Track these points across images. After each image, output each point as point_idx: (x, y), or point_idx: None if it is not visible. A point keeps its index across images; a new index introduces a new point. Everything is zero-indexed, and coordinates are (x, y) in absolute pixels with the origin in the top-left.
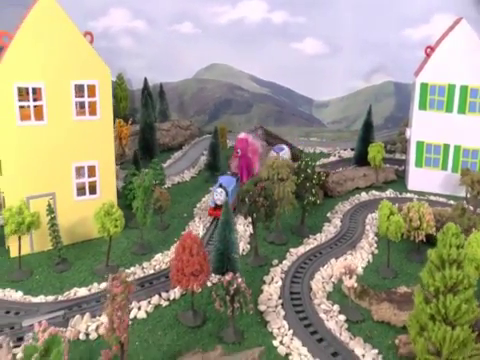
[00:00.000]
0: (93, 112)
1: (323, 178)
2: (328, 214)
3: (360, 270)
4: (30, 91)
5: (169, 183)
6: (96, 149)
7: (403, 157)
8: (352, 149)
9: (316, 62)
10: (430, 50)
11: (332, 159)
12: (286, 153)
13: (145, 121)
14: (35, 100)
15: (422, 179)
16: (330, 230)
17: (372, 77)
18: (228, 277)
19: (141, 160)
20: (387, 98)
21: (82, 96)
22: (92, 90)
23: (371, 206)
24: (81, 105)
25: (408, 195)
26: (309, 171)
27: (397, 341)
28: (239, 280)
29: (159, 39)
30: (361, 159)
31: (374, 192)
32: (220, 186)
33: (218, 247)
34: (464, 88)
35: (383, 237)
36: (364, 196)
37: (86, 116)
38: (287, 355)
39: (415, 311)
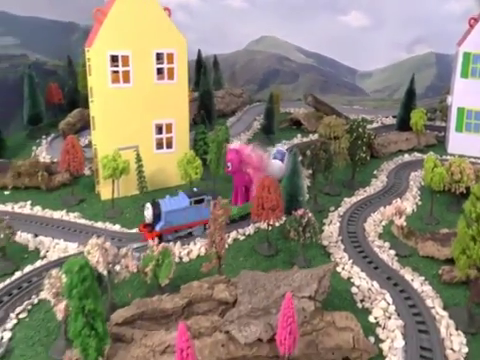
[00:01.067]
0: (171, 77)
1: (372, 138)
2: (375, 172)
3: (409, 211)
4: (120, 58)
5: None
6: (173, 109)
7: (443, 124)
8: (394, 116)
9: (360, 34)
10: (474, 21)
11: (375, 125)
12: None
13: (204, 89)
14: (123, 66)
15: (462, 143)
16: (377, 184)
17: (414, 48)
18: (300, 212)
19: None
20: (428, 68)
21: (162, 63)
22: (170, 58)
23: (414, 165)
24: (160, 71)
25: (448, 158)
26: (360, 130)
27: (441, 271)
28: (309, 214)
29: (211, 13)
30: (403, 124)
31: (416, 154)
32: (152, 202)
33: (287, 191)
34: None
35: (427, 187)
36: (407, 157)
37: (165, 80)
38: (349, 278)
39: (458, 235)
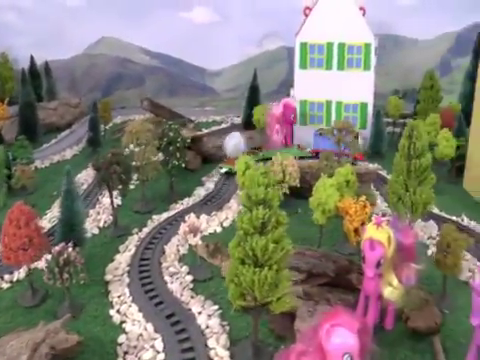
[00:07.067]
0: None
1: (188, 141)
2: (203, 178)
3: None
4: None
5: (47, 162)
6: None
7: None
8: None
9: (206, 31)
10: (308, 10)
11: (224, 126)
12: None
13: (24, 100)
14: None
15: (307, 136)
16: (200, 193)
17: (264, 43)
18: (58, 248)
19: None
20: (281, 63)
21: None
22: None
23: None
24: None
25: None
26: (172, 134)
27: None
28: (69, 250)
29: (45, 14)
30: (248, 123)
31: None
32: None
33: (62, 218)
34: (342, 45)
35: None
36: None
37: None
38: (122, 323)
39: (231, 258)
